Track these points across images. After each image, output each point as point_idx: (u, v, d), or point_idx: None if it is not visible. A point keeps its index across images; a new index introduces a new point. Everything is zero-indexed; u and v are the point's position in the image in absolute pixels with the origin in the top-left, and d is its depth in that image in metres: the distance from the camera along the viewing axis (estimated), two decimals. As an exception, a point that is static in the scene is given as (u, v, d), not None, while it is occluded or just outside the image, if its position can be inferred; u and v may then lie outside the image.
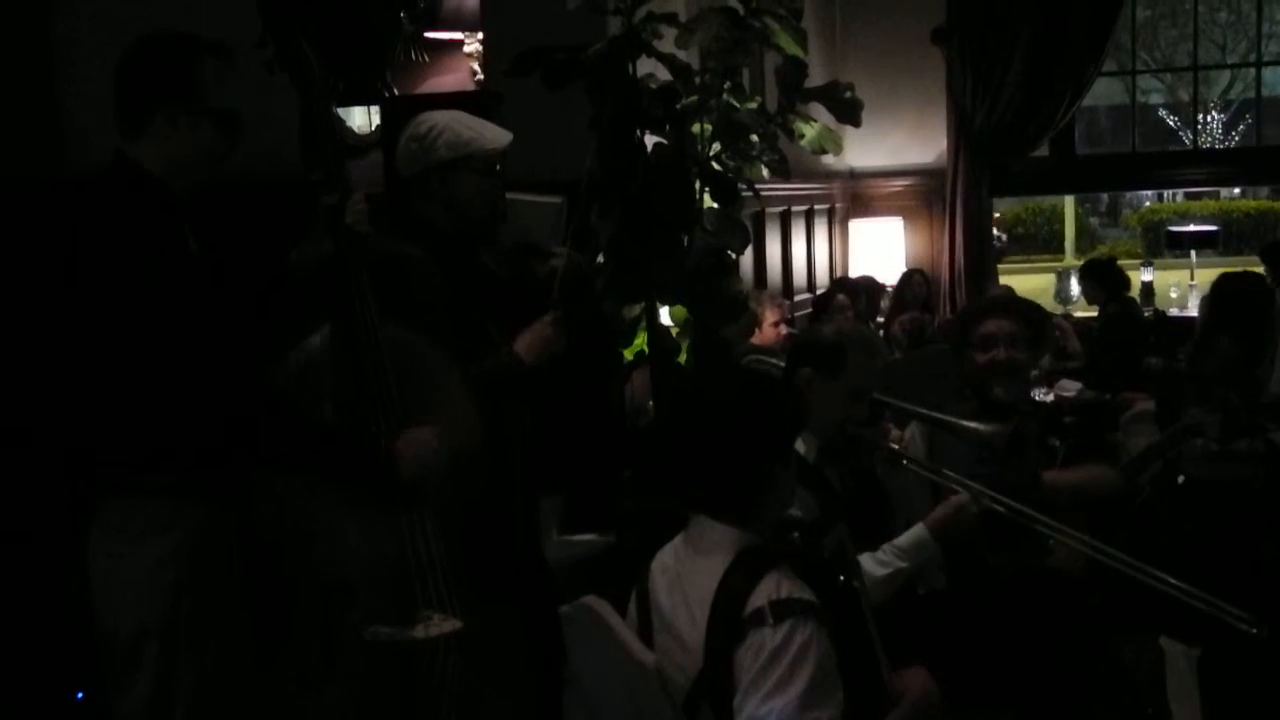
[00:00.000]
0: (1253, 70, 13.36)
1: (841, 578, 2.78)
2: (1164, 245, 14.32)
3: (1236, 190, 23.98)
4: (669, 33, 5.42)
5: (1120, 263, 9.13)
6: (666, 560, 2.86)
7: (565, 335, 3.86)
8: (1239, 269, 7.19)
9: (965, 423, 3.88)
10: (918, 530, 3.37)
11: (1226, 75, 26.07)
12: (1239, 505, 4.32)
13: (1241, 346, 5.61)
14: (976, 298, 4.60)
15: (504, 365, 3.75)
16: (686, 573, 2.77)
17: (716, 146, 5.60)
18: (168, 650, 2.94)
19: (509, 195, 4.01)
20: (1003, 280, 10.17)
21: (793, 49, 5.59)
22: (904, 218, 10.21)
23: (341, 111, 6.75)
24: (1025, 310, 4.48)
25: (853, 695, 2.63)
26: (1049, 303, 10.23)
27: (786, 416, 2.87)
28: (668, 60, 5.42)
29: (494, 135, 3.77)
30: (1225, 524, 4.23)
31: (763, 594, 2.59)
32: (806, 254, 9.30)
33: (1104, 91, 14.30)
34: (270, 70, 3.19)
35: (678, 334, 5.71)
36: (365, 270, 3.13)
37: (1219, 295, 6.54)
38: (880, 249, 10.05)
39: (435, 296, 3.56)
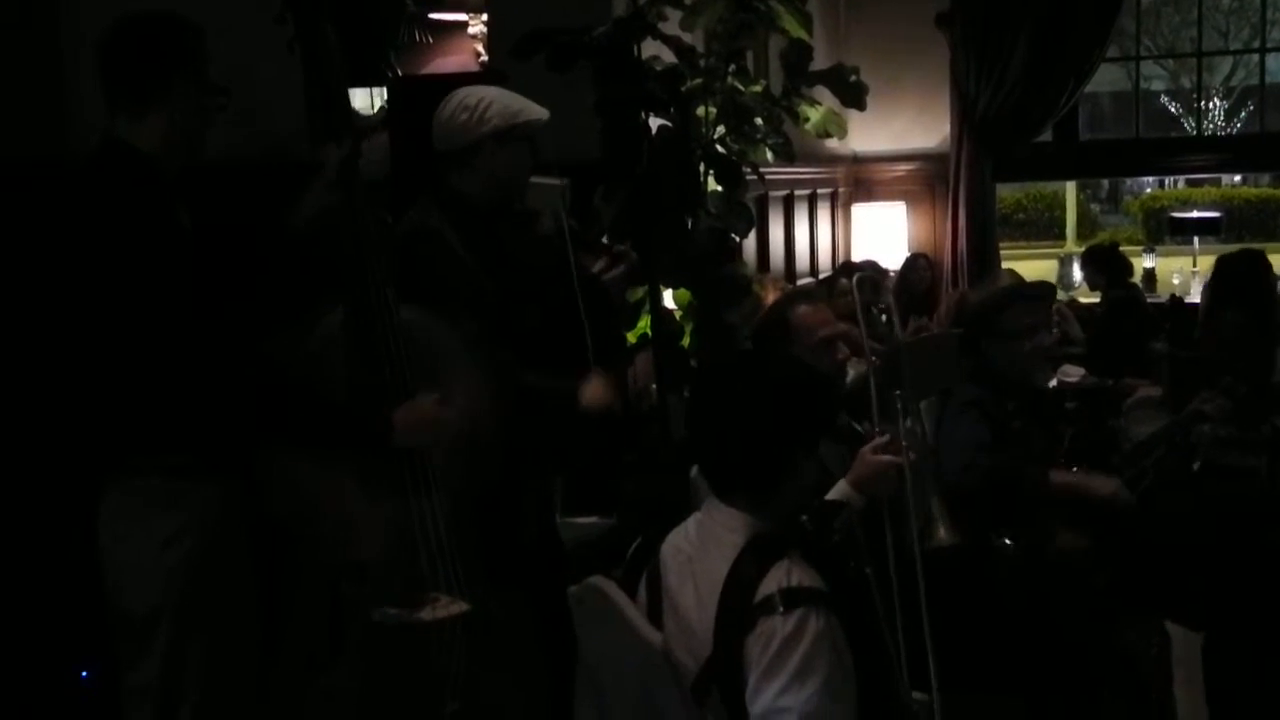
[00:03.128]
0: (1255, 57, 13.33)
1: (852, 564, 2.75)
2: (1166, 232, 14.29)
3: (1238, 177, 23.97)
4: (674, 15, 5.41)
5: (1122, 249, 9.11)
6: (678, 543, 2.84)
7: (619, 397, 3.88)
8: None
9: None
10: (840, 485, 3.35)
11: (1229, 62, 26.02)
12: (1244, 493, 4.33)
13: (1248, 319, 5.62)
14: (985, 282, 4.53)
15: (565, 393, 3.77)
16: (697, 556, 2.75)
17: (721, 129, 5.59)
18: (177, 629, 2.96)
19: (549, 180, 3.99)
20: (1005, 266, 10.15)
21: (798, 32, 5.59)
22: (907, 202, 10.19)
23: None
24: (1048, 295, 4.48)
25: (862, 685, 2.62)
26: (1051, 289, 10.22)
27: (822, 407, 2.85)
28: (673, 43, 5.41)
29: (537, 109, 3.77)
30: (1230, 511, 4.23)
31: (773, 581, 2.57)
32: (809, 238, 9.29)
33: (1107, 78, 14.28)
34: (290, 49, 3.17)
35: (681, 317, 5.71)
36: (380, 245, 3.13)
37: (1220, 273, 6.56)
38: (883, 233, 10.03)
39: (457, 273, 3.55)
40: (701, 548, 2.76)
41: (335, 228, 3.13)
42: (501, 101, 3.71)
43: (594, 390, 3.80)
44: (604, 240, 4.42)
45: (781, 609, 2.54)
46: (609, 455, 5.42)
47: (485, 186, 3.72)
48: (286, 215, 3.13)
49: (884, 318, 3.89)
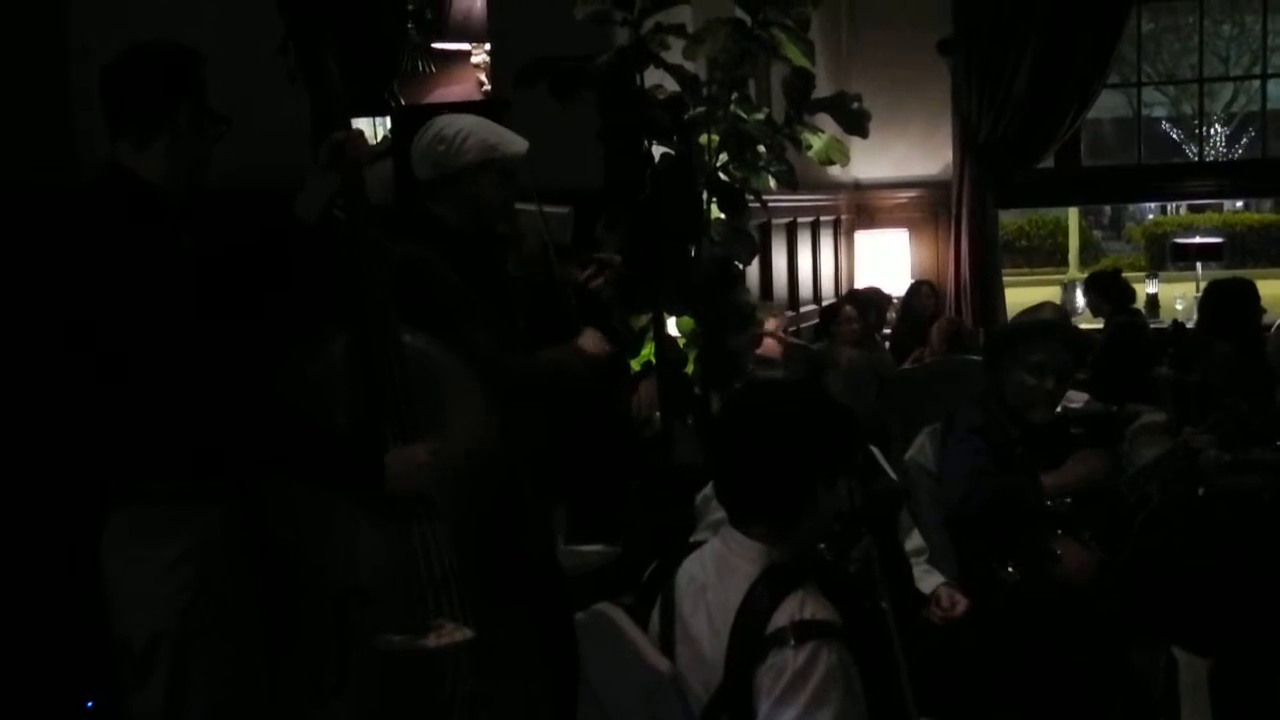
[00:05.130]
0: (1255, 83, 13.37)
1: (869, 598, 2.73)
2: (1169, 258, 14.26)
3: (1240, 203, 24.00)
4: (677, 43, 5.43)
5: (1124, 275, 9.11)
6: (693, 570, 2.82)
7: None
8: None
9: None
10: None
11: (1230, 88, 26.07)
12: (1249, 517, 4.32)
13: (1239, 348, 5.63)
14: (1023, 313, 4.49)
15: (576, 358, 3.78)
16: (712, 584, 2.73)
17: (724, 157, 5.61)
18: (180, 655, 2.95)
19: (517, 205, 4.01)
20: (1008, 293, 10.17)
21: (800, 60, 5.61)
22: (910, 229, 10.20)
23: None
24: (1071, 336, 4.45)
25: (873, 717, 2.61)
26: (1054, 315, 10.19)
27: (843, 438, 2.83)
28: (675, 71, 5.43)
29: (516, 141, 3.78)
30: (1235, 536, 4.23)
31: (786, 613, 2.56)
32: (812, 265, 9.30)
33: (1108, 104, 14.31)
34: (292, 79, 3.19)
35: (685, 344, 5.71)
36: (381, 266, 3.14)
37: (1210, 301, 6.58)
38: (886, 261, 10.04)
39: (452, 298, 3.56)
40: (716, 576, 2.74)
41: (343, 220, 3.14)
42: (478, 135, 3.70)
43: (589, 340, 3.82)
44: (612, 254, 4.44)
45: (793, 642, 2.52)
46: (614, 482, 5.43)
47: (463, 215, 3.72)
48: (295, 204, 3.13)
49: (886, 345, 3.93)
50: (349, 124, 3.21)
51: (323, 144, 3.15)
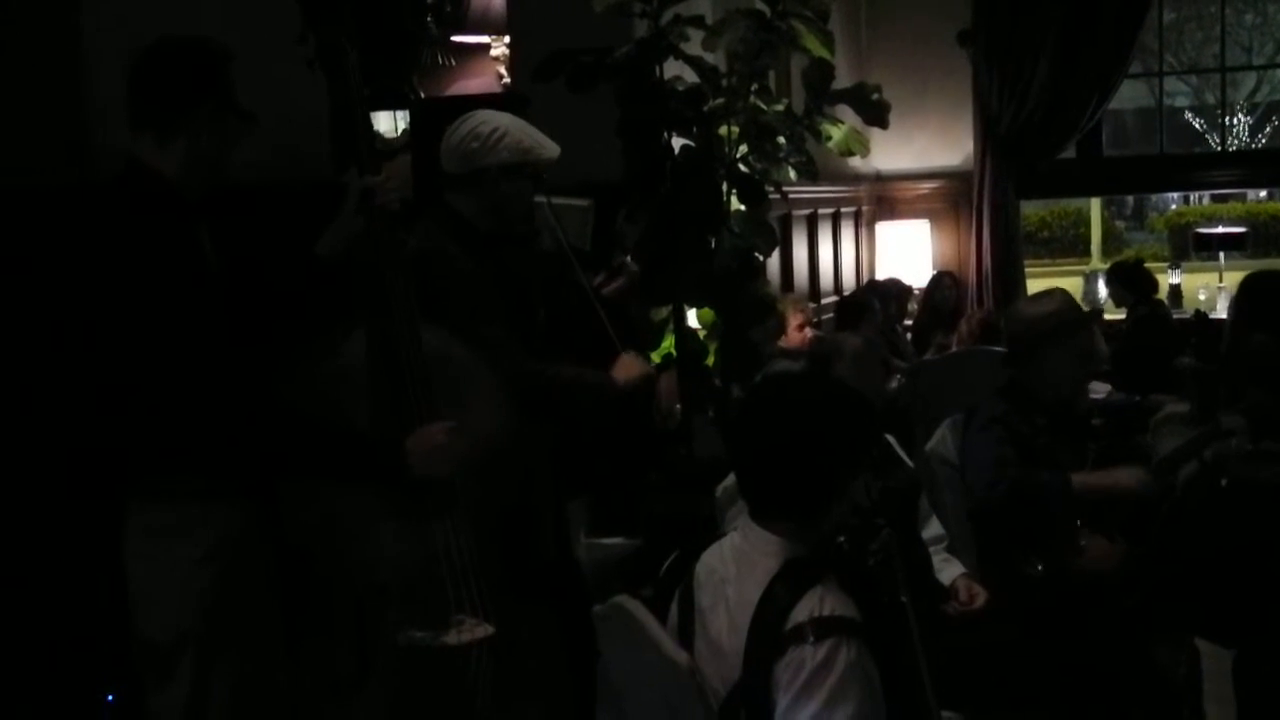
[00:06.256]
0: (1278, 72, 13.28)
1: (888, 592, 2.71)
2: (1191, 247, 14.21)
3: (1263, 192, 23.88)
4: (696, 35, 5.41)
5: (1147, 265, 9.08)
6: (712, 563, 2.81)
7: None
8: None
9: None
10: None
11: (1253, 77, 25.95)
12: (1273, 508, 4.29)
13: (1276, 340, 5.58)
14: (1037, 302, 4.45)
15: (597, 384, 3.77)
16: (731, 578, 2.72)
17: (744, 149, 5.59)
18: (202, 653, 2.95)
19: (536, 198, 4.00)
20: (1030, 284, 10.12)
21: (820, 51, 5.58)
22: (931, 220, 10.18)
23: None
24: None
25: (893, 713, 2.60)
26: (1076, 305, 10.16)
27: (866, 429, 2.81)
28: (695, 63, 5.42)
29: (550, 147, 3.76)
30: (1259, 527, 4.19)
31: (805, 609, 2.54)
32: (833, 257, 9.28)
33: (1130, 94, 14.24)
34: (310, 67, 3.17)
35: (705, 336, 5.70)
36: (402, 267, 3.12)
37: (1249, 293, 6.51)
38: (907, 251, 10.02)
39: (463, 288, 3.55)
40: (735, 570, 2.73)
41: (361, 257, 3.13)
42: (514, 135, 3.68)
43: (624, 367, 3.80)
44: (626, 258, 4.42)
45: (812, 639, 2.51)
46: (635, 475, 5.42)
47: (483, 212, 3.71)
48: (314, 246, 3.12)
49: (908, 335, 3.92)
50: (379, 169, 3.18)
51: (350, 187, 3.13)
